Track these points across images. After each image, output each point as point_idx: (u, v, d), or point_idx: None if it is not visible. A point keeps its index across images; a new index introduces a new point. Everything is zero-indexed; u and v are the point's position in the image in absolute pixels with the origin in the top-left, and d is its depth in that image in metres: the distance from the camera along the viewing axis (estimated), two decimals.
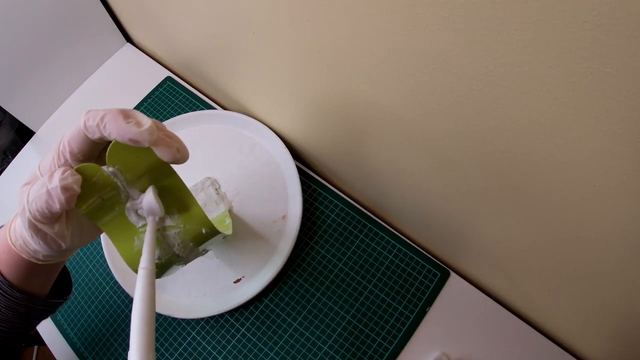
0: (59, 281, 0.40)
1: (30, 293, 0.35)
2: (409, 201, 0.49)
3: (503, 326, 0.50)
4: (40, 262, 0.32)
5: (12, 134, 0.76)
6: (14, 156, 0.70)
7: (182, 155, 0.30)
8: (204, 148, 0.62)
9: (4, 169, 0.69)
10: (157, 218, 0.32)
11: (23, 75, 0.64)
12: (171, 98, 0.69)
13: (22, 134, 0.76)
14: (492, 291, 0.52)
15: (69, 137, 0.29)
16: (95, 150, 0.30)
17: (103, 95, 0.72)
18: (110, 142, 0.29)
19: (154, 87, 0.71)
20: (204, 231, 0.34)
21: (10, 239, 0.32)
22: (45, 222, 0.28)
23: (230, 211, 0.57)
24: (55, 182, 0.27)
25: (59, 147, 0.29)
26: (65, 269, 0.42)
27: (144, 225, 0.32)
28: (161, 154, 0.28)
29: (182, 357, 0.53)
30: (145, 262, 0.29)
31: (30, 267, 0.33)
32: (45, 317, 0.39)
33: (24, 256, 0.32)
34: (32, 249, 0.31)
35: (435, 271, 0.53)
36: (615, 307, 0.37)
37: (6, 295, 0.34)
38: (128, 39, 0.77)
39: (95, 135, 0.28)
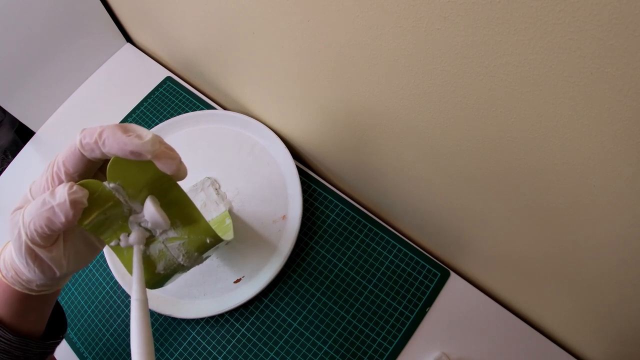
0: (53, 320, 0.38)
1: (24, 334, 0.33)
2: (409, 201, 0.49)
3: (503, 326, 0.50)
4: (34, 294, 0.31)
5: (12, 134, 0.76)
6: (14, 156, 0.70)
7: (182, 169, 0.29)
8: (204, 148, 0.62)
9: (4, 169, 0.69)
10: (158, 232, 0.32)
11: (23, 75, 0.64)
12: (171, 98, 0.69)
13: (22, 134, 0.76)
14: (492, 291, 0.52)
15: (64, 157, 0.28)
16: (90, 170, 0.29)
17: (103, 95, 0.72)
18: (105, 161, 0.28)
19: (154, 87, 0.70)
20: (208, 241, 0.33)
21: (0, 272, 0.30)
22: (43, 244, 0.27)
23: (230, 211, 0.57)
24: (64, 196, 0.26)
25: (52, 168, 0.28)
26: (59, 306, 0.40)
27: (149, 237, 0.32)
28: (164, 166, 0.28)
29: (182, 357, 0.53)
30: (137, 293, 0.29)
31: (23, 301, 0.31)
32: None
33: (16, 288, 0.30)
34: (24, 279, 0.30)
35: (435, 271, 0.53)
36: (616, 307, 0.37)
37: None
38: (128, 39, 0.77)
39: (94, 153, 0.27)
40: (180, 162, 0.29)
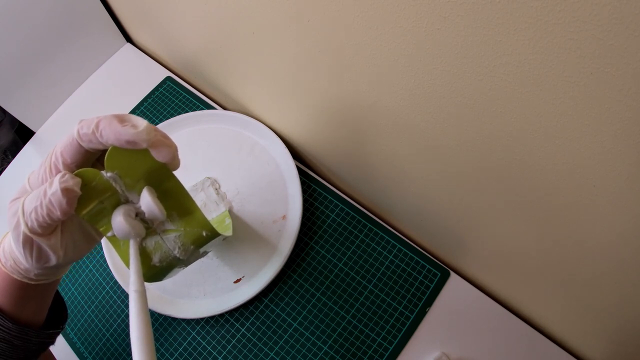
0: (54, 311, 0.39)
1: (23, 323, 0.34)
2: (409, 201, 0.49)
3: (503, 326, 0.50)
4: (32, 282, 0.32)
5: (12, 134, 0.76)
6: (14, 156, 0.70)
7: (177, 157, 0.30)
8: (204, 148, 0.62)
9: (4, 169, 0.69)
10: (155, 223, 0.32)
11: (23, 75, 0.64)
12: (171, 98, 0.69)
13: (22, 134, 0.76)
14: (492, 291, 0.52)
15: (62, 147, 0.28)
16: (88, 161, 0.29)
17: (103, 95, 0.72)
18: (103, 152, 0.29)
19: (154, 87, 0.70)
20: (204, 234, 0.33)
21: (0, 260, 0.31)
22: (42, 233, 0.28)
23: (230, 211, 0.57)
24: (56, 186, 0.26)
25: (50, 159, 0.28)
26: (59, 297, 0.40)
27: (146, 228, 0.32)
28: (160, 155, 0.28)
29: (182, 357, 0.53)
30: (135, 284, 0.29)
31: (22, 290, 0.32)
32: (44, 350, 0.37)
33: (15, 277, 0.31)
34: (23, 268, 0.30)
35: (435, 271, 0.53)
36: (615, 307, 0.37)
37: None
38: (128, 39, 0.77)
39: (91, 144, 0.28)
40: (176, 150, 0.29)
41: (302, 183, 0.58)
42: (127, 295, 0.56)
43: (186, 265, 0.36)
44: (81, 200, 0.28)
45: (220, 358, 0.52)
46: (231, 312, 0.54)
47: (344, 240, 0.56)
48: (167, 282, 0.55)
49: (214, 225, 0.34)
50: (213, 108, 0.67)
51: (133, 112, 0.69)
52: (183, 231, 0.33)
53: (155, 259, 0.33)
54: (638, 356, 0.40)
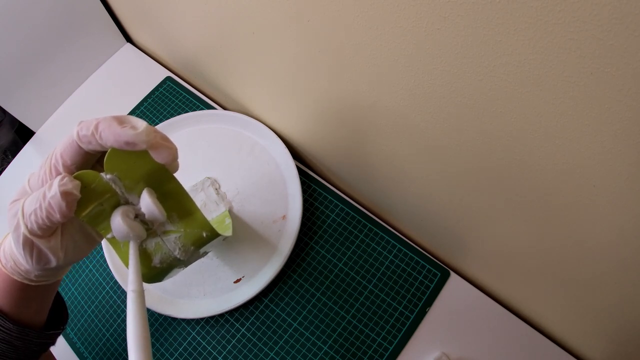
0: (54, 312, 0.39)
1: (24, 324, 0.34)
2: (409, 201, 0.49)
3: (503, 326, 0.50)
4: (33, 284, 0.32)
5: (12, 134, 0.76)
6: (14, 156, 0.70)
7: (177, 162, 0.30)
8: (204, 148, 0.62)
9: (4, 169, 0.69)
10: (156, 224, 0.32)
11: (23, 75, 0.64)
12: (171, 98, 0.69)
13: (22, 134, 0.76)
14: (492, 291, 0.52)
15: (61, 149, 0.28)
16: (88, 162, 0.29)
17: (103, 95, 0.72)
18: (103, 153, 0.29)
19: (154, 87, 0.70)
20: (204, 235, 0.33)
21: (0, 262, 0.31)
22: (42, 235, 0.28)
23: (230, 211, 0.57)
24: (55, 189, 0.26)
25: (50, 161, 0.28)
26: (60, 297, 0.40)
27: (146, 230, 0.32)
28: (160, 156, 0.28)
29: (182, 357, 0.53)
30: (134, 284, 0.29)
31: (23, 291, 0.32)
32: (44, 351, 0.37)
33: (16, 278, 0.31)
34: (23, 269, 0.30)
35: (435, 271, 0.53)
36: (615, 307, 0.37)
37: None
38: (128, 39, 0.77)
39: (90, 145, 0.27)
40: (176, 151, 0.29)
41: (302, 183, 0.58)
42: (127, 295, 0.56)
43: (186, 266, 0.36)
44: (81, 202, 0.28)
45: (220, 358, 0.52)
46: (231, 312, 0.54)
47: (344, 240, 0.56)
48: (167, 282, 0.55)
49: (214, 226, 0.34)
50: (213, 108, 0.67)
51: (133, 112, 0.69)
52: (183, 232, 0.33)
53: (156, 260, 0.33)
54: (638, 356, 0.40)
